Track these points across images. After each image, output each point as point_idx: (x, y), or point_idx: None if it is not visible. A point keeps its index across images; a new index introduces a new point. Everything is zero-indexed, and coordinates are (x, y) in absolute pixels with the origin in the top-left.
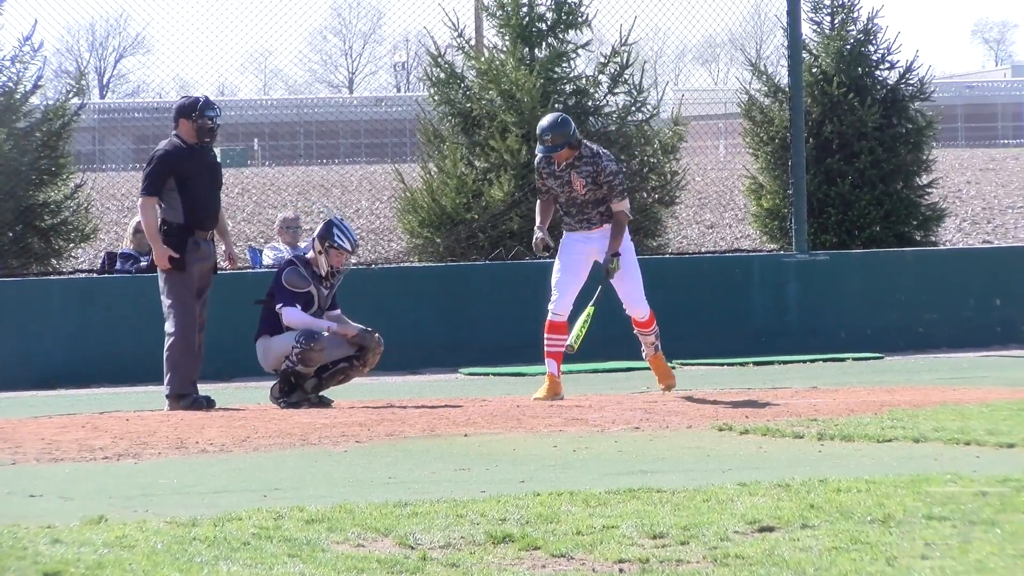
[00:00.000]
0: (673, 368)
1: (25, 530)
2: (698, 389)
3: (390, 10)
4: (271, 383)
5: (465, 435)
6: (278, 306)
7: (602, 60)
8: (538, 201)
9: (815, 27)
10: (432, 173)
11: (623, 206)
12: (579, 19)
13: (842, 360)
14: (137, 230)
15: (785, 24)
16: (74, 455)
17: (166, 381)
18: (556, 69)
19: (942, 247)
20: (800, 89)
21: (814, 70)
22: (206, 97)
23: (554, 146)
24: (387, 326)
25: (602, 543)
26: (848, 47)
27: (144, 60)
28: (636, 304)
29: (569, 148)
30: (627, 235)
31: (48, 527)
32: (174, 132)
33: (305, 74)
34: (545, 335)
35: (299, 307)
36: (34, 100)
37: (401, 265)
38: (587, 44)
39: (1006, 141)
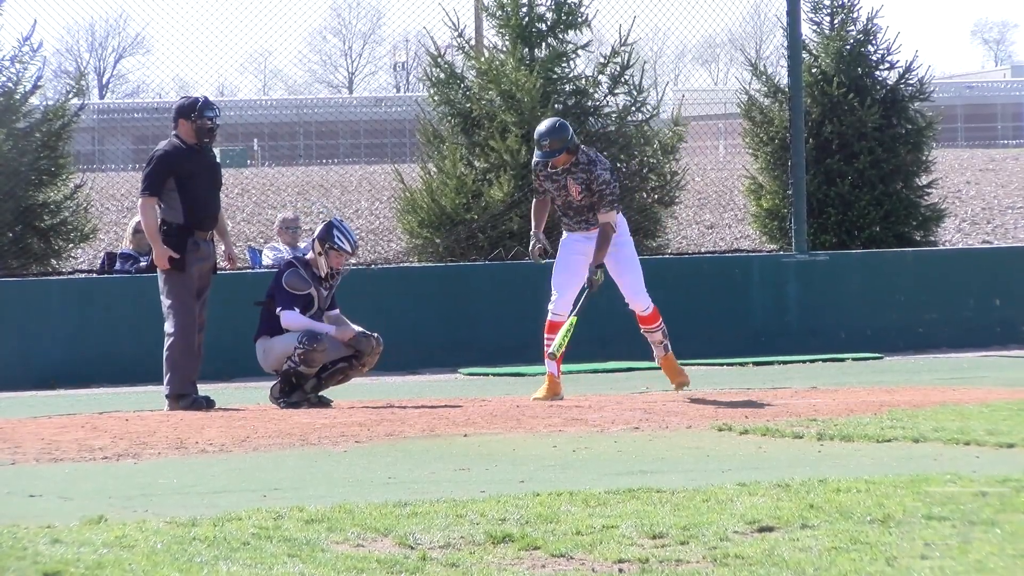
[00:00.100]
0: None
1: (25, 530)
2: (698, 389)
3: (390, 10)
4: (271, 383)
5: (465, 435)
6: (277, 309)
7: (602, 60)
8: (534, 201)
9: (815, 27)
10: (432, 173)
11: (609, 217)
12: (579, 19)
13: (842, 360)
14: (137, 230)
15: (785, 24)
16: (74, 455)
17: (166, 381)
18: (556, 69)
19: (942, 247)
20: (800, 89)
21: (814, 70)
22: (205, 97)
23: (552, 151)
24: (387, 326)
25: (602, 543)
26: (848, 47)
27: (144, 60)
28: (636, 296)
29: (567, 153)
30: (625, 227)
31: (48, 527)
32: (174, 132)
33: (305, 74)
34: (545, 335)
35: (298, 310)
36: (34, 100)
37: (401, 265)
38: (587, 44)
39: (1006, 141)
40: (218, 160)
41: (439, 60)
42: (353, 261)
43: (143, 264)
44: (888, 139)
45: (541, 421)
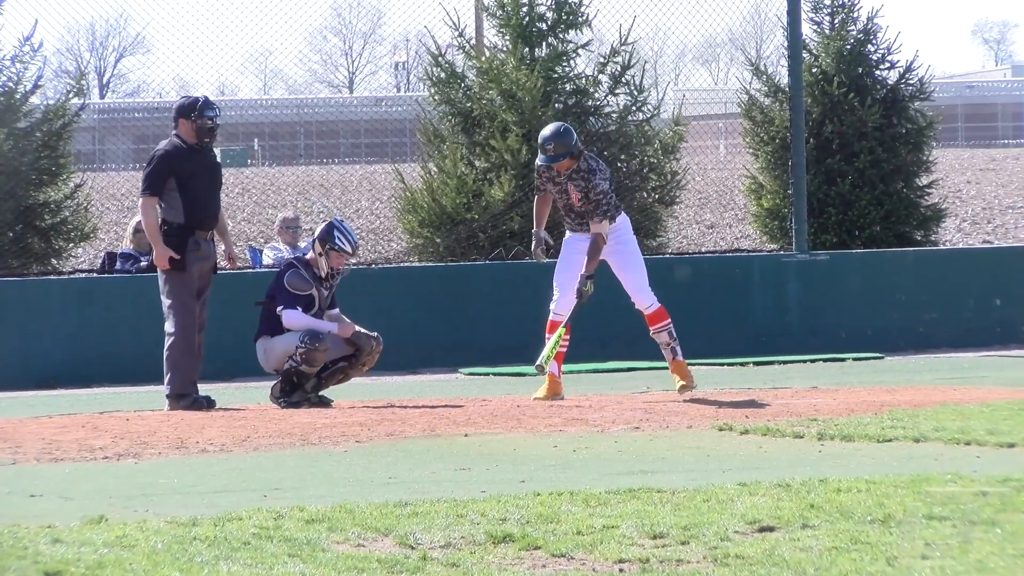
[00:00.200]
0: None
1: (25, 530)
2: (698, 389)
3: (390, 10)
4: (271, 383)
5: (465, 435)
6: (279, 308)
7: (602, 60)
8: (536, 198)
9: (815, 27)
10: (432, 173)
11: (601, 228)
12: (579, 19)
13: (842, 360)
14: (137, 230)
15: (785, 24)
16: (74, 455)
17: (166, 381)
18: (556, 69)
19: (942, 247)
20: (800, 89)
21: (814, 70)
22: (206, 97)
23: (556, 156)
24: (387, 326)
25: (602, 543)
26: (848, 47)
27: (144, 60)
28: (640, 292)
29: (571, 158)
30: (627, 223)
31: (48, 527)
32: (174, 132)
33: (305, 74)
34: (546, 335)
35: (300, 309)
36: (34, 100)
37: (401, 265)
38: (587, 44)
39: (1006, 141)
40: (218, 160)
41: (440, 60)
42: (353, 261)
43: (143, 264)
44: (888, 139)
45: (542, 421)
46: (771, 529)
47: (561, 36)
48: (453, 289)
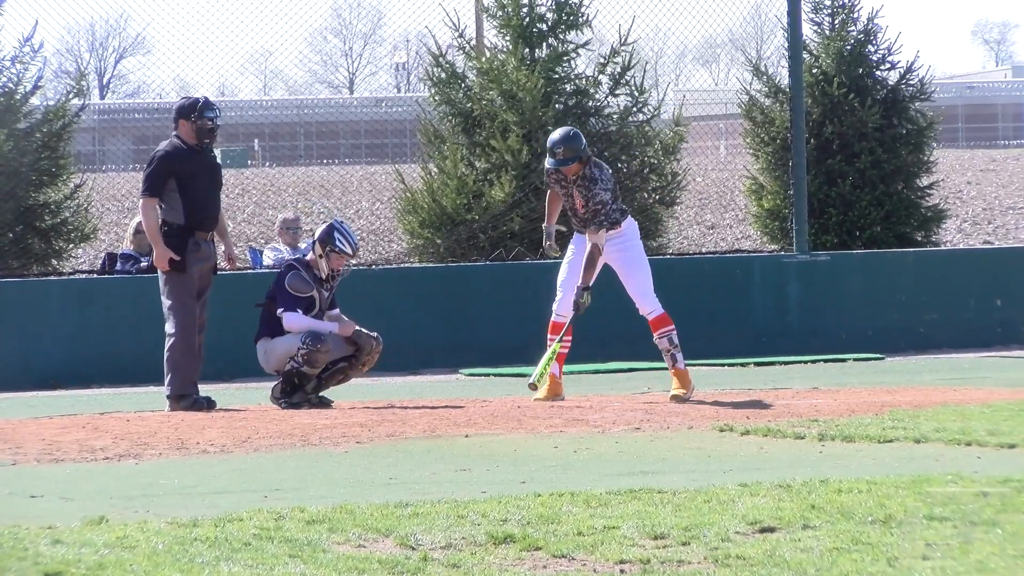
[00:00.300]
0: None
1: (26, 531)
2: (699, 390)
3: (390, 10)
4: (272, 384)
5: (466, 436)
6: (279, 311)
7: (602, 60)
8: (548, 192)
9: (815, 28)
10: (432, 174)
11: (598, 238)
12: (580, 19)
13: (843, 361)
14: (137, 231)
15: (785, 25)
16: (75, 456)
17: (166, 382)
18: (557, 69)
19: (943, 248)
20: (801, 90)
21: (814, 70)
22: (206, 98)
23: (564, 160)
24: (387, 327)
25: (603, 544)
26: (848, 47)
27: (144, 60)
28: (643, 297)
29: (579, 163)
30: (634, 228)
31: (49, 528)
32: (174, 133)
33: (305, 75)
34: (548, 336)
35: (300, 311)
36: (34, 101)
37: (401, 266)
38: (587, 44)
39: (1006, 142)
40: (219, 160)
41: (440, 60)
42: (354, 262)
43: (144, 264)
44: (889, 139)
45: (542, 422)
46: (772, 530)
47: (561, 37)
48: (453, 290)
